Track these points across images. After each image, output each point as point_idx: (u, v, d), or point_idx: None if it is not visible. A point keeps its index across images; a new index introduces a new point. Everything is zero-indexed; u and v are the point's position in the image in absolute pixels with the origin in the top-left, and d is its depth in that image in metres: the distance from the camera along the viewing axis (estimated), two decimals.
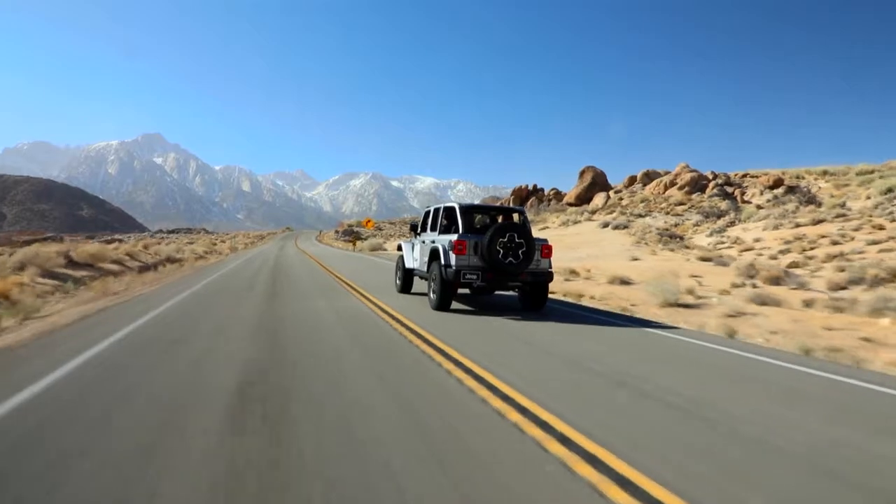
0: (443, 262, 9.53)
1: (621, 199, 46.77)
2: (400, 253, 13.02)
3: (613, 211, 42.98)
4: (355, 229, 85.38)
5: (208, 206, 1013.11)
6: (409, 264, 12.14)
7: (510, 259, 9.28)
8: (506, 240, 9.27)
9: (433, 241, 10.38)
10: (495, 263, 9.22)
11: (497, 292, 12.28)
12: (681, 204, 41.45)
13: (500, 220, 11.61)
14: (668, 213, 39.29)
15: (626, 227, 34.18)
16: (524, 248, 9.36)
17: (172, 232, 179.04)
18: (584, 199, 53.08)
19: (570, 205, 52.88)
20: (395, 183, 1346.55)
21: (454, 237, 9.48)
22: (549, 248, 9.97)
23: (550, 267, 9.98)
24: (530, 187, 62.93)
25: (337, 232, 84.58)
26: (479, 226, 11.40)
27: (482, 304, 10.96)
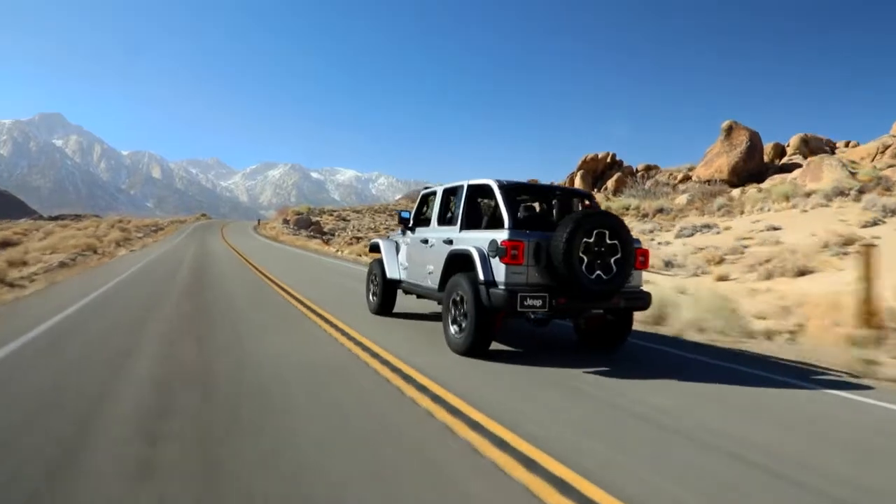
0: (482, 276, 5.36)
1: (877, 167, 25.44)
2: (377, 256, 8.36)
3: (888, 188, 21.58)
4: (313, 219, 59.86)
5: (114, 193, 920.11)
6: (391, 273, 7.89)
7: (598, 272, 5.23)
8: (592, 240, 5.20)
9: (451, 241, 6.21)
10: (578, 280, 5.11)
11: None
12: None
13: (544, 209, 7.06)
14: None
15: None
16: (619, 256, 5.32)
17: (55, 218, 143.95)
18: (743, 172, 31.40)
19: (727, 183, 31.08)
20: (315, 175, 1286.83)
21: (503, 235, 5.30)
22: (646, 254, 5.87)
23: (642, 283, 6.07)
24: (608, 158, 40.63)
25: (286, 221, 58.53)
26: (521, 217, 6.56)
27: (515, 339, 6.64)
